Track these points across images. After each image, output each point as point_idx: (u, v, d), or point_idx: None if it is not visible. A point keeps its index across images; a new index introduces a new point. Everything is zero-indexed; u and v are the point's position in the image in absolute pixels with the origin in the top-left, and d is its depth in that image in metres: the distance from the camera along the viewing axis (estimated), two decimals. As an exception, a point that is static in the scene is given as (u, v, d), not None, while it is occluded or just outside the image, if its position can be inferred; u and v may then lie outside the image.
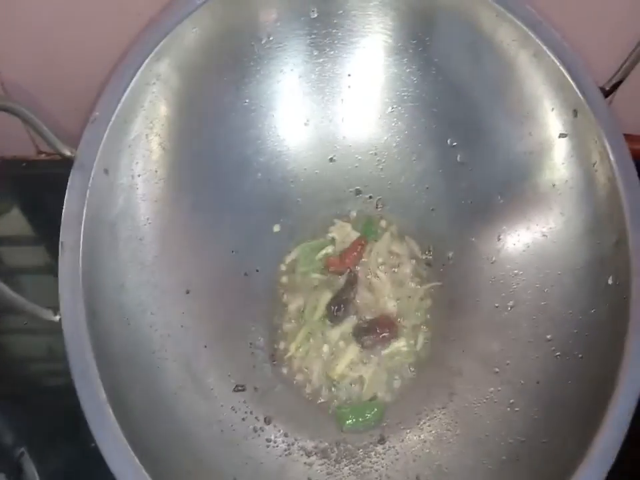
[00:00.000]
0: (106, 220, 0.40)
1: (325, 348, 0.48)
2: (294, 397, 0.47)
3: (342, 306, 0.48)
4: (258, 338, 0.48)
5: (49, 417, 0.47)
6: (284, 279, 0.50)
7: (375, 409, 0.46)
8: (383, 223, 0.52)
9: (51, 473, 0.45)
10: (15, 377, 0.51)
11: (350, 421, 0.46)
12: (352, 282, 0.50)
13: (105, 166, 0.40)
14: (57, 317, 0.36)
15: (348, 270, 0.50)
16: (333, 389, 0.47)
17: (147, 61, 0.41)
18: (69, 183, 0.39)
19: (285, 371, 0.48)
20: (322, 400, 0.47)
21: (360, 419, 0.46)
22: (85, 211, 0.38)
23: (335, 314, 0.48)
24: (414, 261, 0.51)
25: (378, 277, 0.50)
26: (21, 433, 0.45)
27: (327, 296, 0.49)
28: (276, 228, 0.51)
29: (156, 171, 0.44)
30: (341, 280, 0.50)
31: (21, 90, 0.51)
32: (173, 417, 0.40)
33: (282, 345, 0.48)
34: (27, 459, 0.44)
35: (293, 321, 0.49)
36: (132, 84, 0.41)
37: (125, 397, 0.37)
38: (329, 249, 0.51)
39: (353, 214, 0.52)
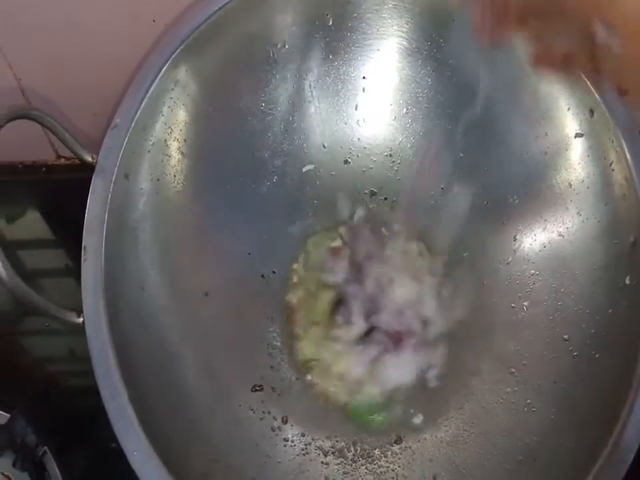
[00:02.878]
0: (127, 224, 0.41)
1: (336, 347, 0.48)
2: (310, 396, 0.47)
3: (348, 303, 0.48)
4: (275, 339, 0.49)
5: (71, 416, 0.48)
6: (294, 278, 0.50)
7: (386, 412, 0.46)
8: (396, 227, 0.52)
9: (73, 472, 0.46)
10: (37, 377, 0.51)
11: (361, 416, 0.46)
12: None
13: (126, 171, 0.40)
14: (80, 319, 0.37)
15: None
16: (343, 388, 0.47)
17: (165, 67, 0.42)
18: (90, 188, 0.39)
19: (300, 370, 0.48)
20: (335, 399, 0.47)
21: (370, 417, 0.46)
22: (106, 216, 0.39)
23: (341, 311, 0.48)
24: (428, 262, 0.51)
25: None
26: (43, 433, 0.46)
27: (330, 293, 0.49)
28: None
29: (174, 176, 0.44)
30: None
31: (41, 97, 0.52)
32: (193, 417, 0.41)
33: (296, 345, 0.48)
34: (50, 458, 0.45)
35: (303, 320, 0.49)
36: (151, 91, 0.41)
37: (146, 398, 0.37)
38: (338, 242, 0.51)
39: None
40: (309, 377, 0.48)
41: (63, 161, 0.59)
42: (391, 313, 0.48)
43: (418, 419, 0.46)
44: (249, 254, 0.49)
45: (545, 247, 0.46)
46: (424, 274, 0.50)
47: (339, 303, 0.49)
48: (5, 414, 0.45)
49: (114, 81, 0.48)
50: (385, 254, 0.51)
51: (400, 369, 0.47)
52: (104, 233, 0.38)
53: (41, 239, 0.57)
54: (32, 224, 0.58)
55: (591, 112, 0.43)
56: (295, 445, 0.44)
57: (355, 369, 0.47)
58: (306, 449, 0.44)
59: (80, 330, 0.37)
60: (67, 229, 0.56)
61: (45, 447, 0.45)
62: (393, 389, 0.47)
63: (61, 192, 0.58)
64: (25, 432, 0.45)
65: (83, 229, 0.39)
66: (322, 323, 0.49)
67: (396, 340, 0.47)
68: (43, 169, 0.59)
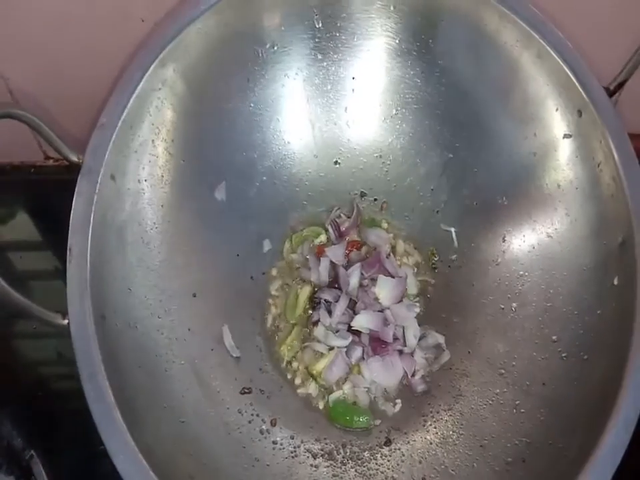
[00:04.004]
0: (113, 225, 0.40)
1: (315, 348, 0.48)
2: (298, 399, 0.47)
3: (329, 303, 0.48)
4: (260, 340, 0.48)
5: (58, 419, 0.48)
6: (276, 276, 0.50)
7: (369, 414, 0.46)
8: (385, 225, 0.52)
9: (60, 475, 0.45)
10: (24, 380, 0.51)
11: (339, 418, 0.46)
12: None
13: (112, 171, 0.40)
14: (66, 321, 0.37)
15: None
16: (321, 390, 0.47)
17: (152, 66, 0.42)
18: (76, 189, 0.39)
19: (283, 373, 0.48)
20: (315, 401, 0.47)
21: (348, 419, 0.46)
22: (92, 216, 0.38)
23: (321, 311, 0.48)
24: (416, 262, 0.51)
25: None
26: (30, 436, 0.46)
27: (306, 291, 0.49)
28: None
29: (162, 176, 0.44)
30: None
31: (28, 96, 0.52)
32: (181, 420, 0.41)
33: (277, 347, 0.48)
34: (36, 461, 0.45)
35: (283, 321, 0.49)
36: (138, 90, 0.41)
37: (132, 400, 0.37)
38: (322, 238, 0.51)
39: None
40: (291, 379, 0.47)
41: (51, 162, 0.59)
42: (375, 315, 0.48)
43: (406, 419, 0.46)
44: (238, 255, 0.49)
45: (533, 247, 0.46)
46: (410, 274, 0.50)
47: (319, 303, 0.48)
48: (-9, 417, 0.45)
49: (102, 81, 0.48)
50: (369, 253, 0.51)
51: (384, 372, 0.47)
52: (90, 234, 0.38)
53: (30, 241, 0.57)
54: (20, 225, 0.57)
55: (579, 112, 0.43)
56: (283, 448, 0.44)
57: (335, 371, 0.47)
58: (295, 451, 0.44)
59: (66, 332, 0.37)
60: (56, 231, 0.55)
61: (32, 451, 0.45)
62: (376, 392, 0.47)
63: (49, 193, 0.58)
64: (11, 435, 0.44)
65: (70, 230, 0.38)
66: (302, 324, 0.49)
67: (379, 343, 0.47)
68: (32, 170, 0.59)
